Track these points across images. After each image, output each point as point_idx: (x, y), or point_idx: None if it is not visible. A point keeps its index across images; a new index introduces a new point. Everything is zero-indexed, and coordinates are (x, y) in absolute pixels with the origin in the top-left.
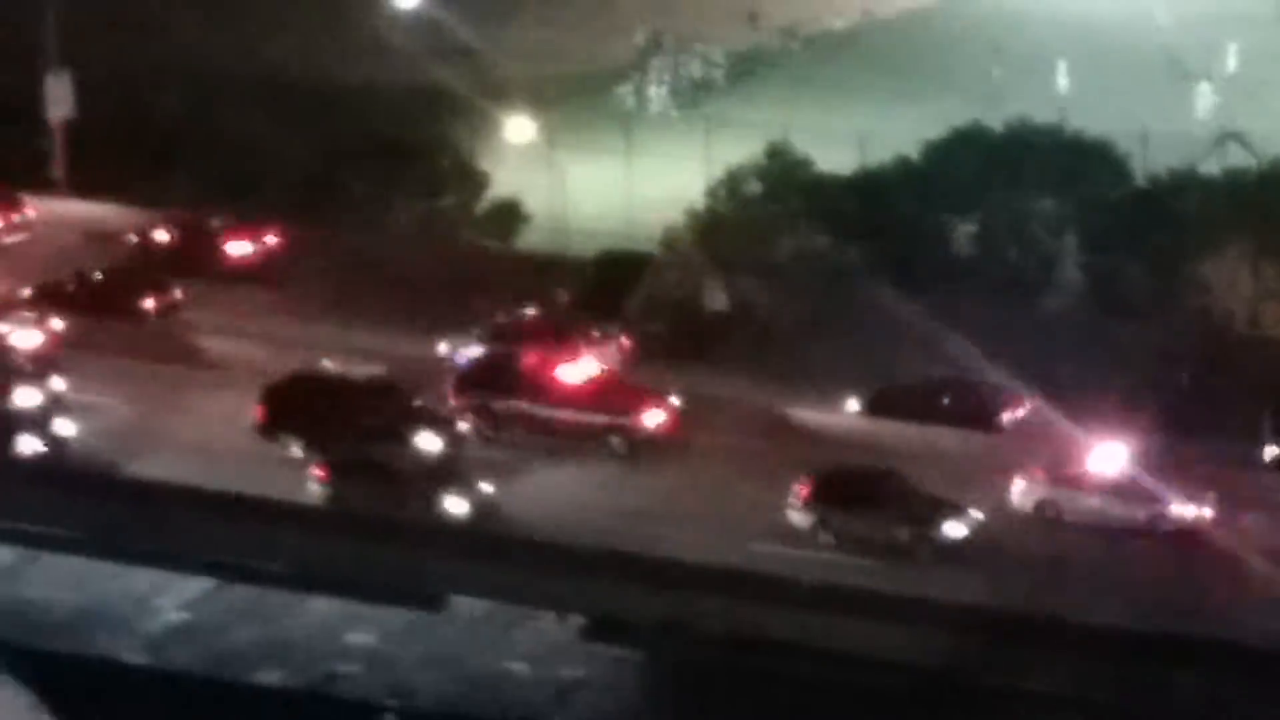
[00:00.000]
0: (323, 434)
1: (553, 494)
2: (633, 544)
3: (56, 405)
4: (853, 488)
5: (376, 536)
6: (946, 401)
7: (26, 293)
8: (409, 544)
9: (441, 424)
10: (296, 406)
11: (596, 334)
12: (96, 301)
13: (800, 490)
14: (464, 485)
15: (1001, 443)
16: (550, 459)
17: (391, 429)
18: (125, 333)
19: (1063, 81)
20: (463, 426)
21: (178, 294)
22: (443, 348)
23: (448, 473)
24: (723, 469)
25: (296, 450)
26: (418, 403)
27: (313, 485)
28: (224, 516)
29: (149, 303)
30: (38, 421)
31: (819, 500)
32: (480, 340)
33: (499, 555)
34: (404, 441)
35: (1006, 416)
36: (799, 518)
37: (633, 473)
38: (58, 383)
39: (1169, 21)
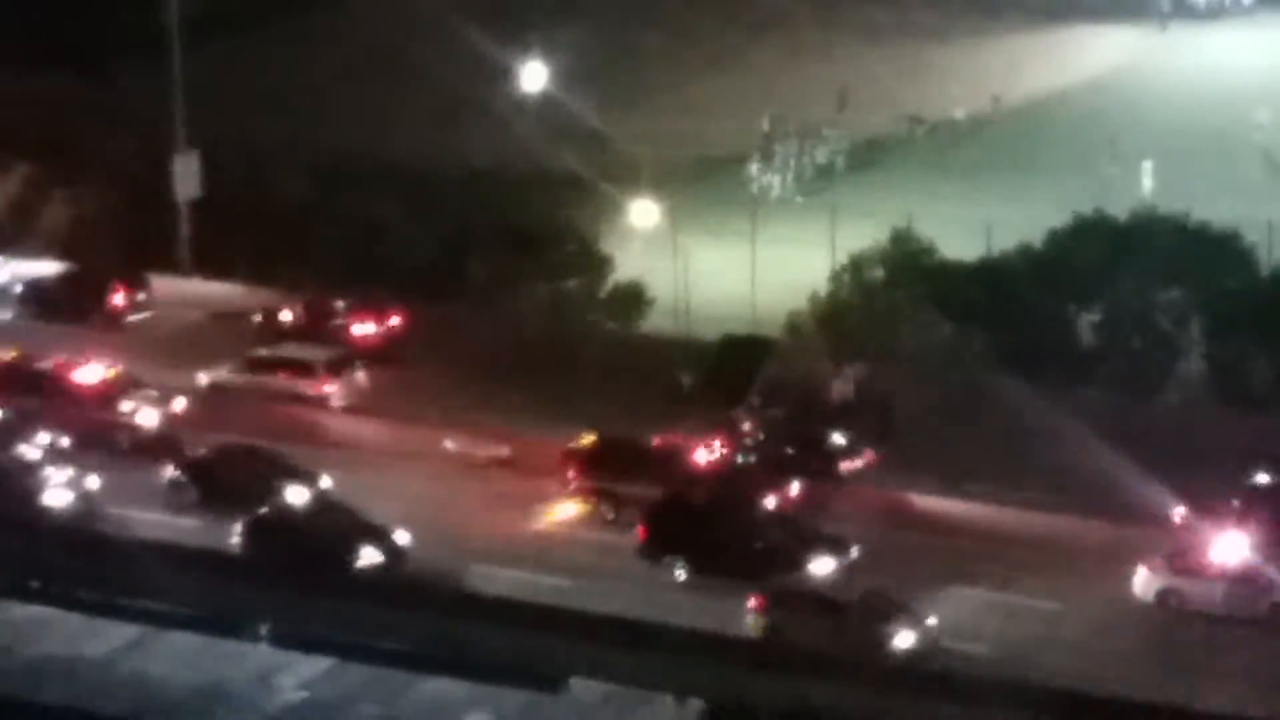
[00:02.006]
0: (708, 558)
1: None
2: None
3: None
4: None
5: (494, 617)
6: (791, 452)
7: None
8: (527, 625)
9: (836, 546)
10: (679, 527)
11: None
12: None
13: None
14: (909, 617)
15: (1112, 535)
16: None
17: (786, 553)
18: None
19: (1175, 174)
20: (855, 551)
21: None
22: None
23: (887, 603)
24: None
25: (680, 573)
26: (810, 525)
27: (748, 617)
28: (342, 597)
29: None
30: (376, 532)
31: None
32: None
33: (618, 638)
34: (799, 566)
35: (845, 466)
36: None
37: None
38: (326, 481)
39: (1269, 121)
